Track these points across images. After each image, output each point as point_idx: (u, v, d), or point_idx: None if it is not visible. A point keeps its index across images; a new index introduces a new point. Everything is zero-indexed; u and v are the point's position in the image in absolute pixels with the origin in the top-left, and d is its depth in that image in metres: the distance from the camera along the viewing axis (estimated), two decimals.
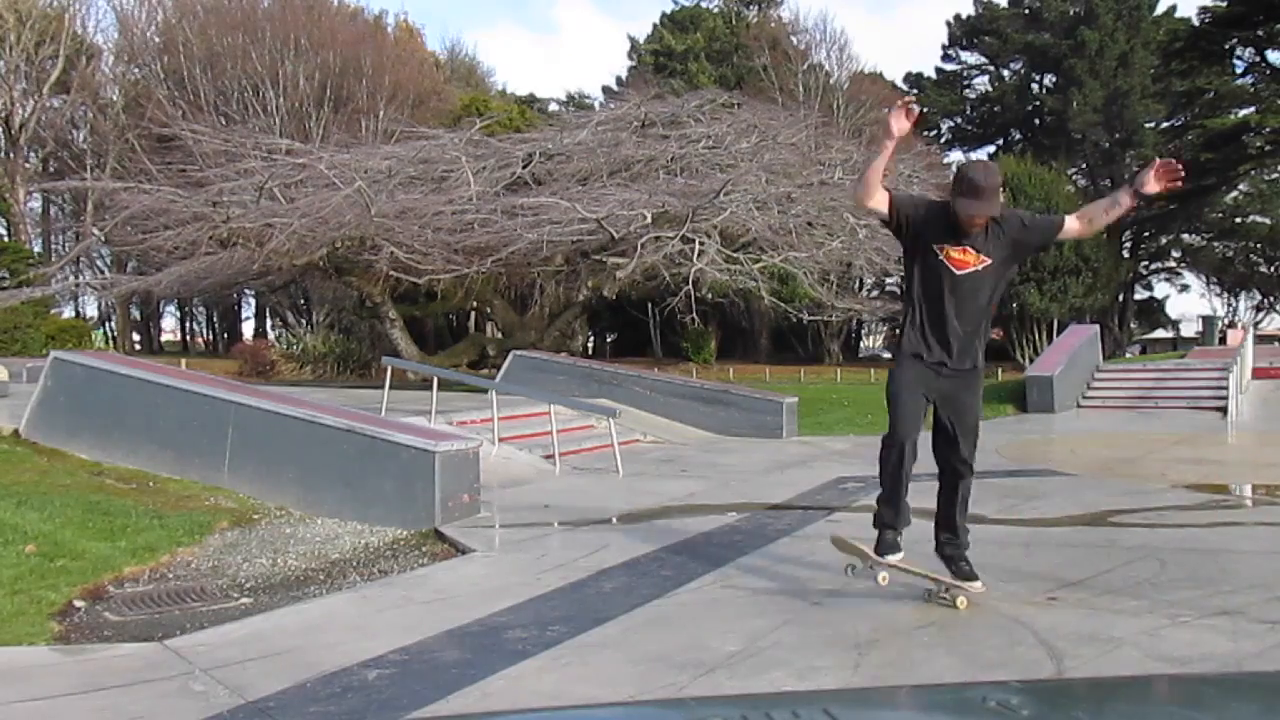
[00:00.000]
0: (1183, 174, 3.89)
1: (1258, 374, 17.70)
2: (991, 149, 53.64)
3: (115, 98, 37.84)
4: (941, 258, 4.20)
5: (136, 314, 44.80)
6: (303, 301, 36.22)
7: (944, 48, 54.68)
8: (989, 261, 4.21)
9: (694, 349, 39.58)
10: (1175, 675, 3.25)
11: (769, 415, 13.17)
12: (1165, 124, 48.40)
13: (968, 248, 4.19)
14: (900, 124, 4.07)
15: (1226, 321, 44.69)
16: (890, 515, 4.47)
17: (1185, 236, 51.89)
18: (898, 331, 4.41)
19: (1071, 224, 4.28)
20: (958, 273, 4.20)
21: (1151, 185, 4.00)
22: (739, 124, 20.46)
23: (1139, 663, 3.63)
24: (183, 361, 25.32)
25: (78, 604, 4.79)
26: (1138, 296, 54.56)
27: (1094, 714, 1.11)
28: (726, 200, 16.65)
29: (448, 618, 4.37)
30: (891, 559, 4.39)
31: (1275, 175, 46.35)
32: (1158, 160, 3.99)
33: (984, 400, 17.00)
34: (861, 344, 56.37)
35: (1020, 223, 4.29)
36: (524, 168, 19.36)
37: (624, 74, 50.92)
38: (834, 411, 17.37)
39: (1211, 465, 10.09)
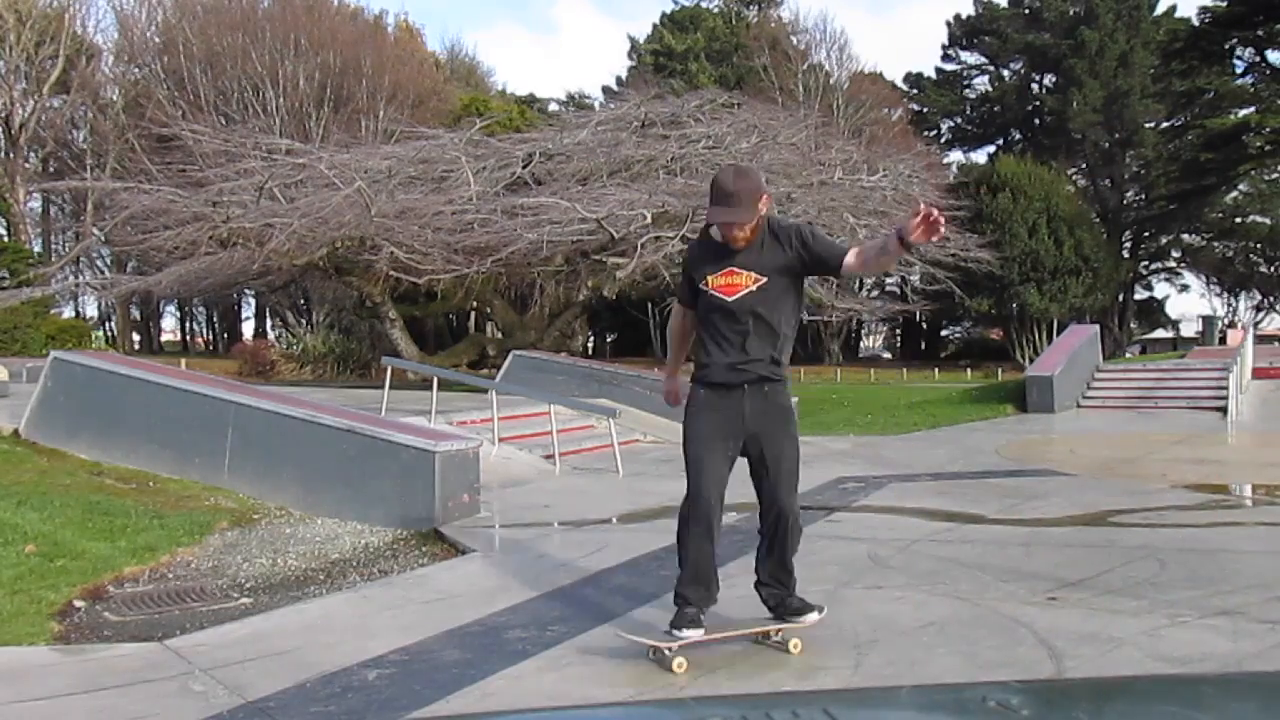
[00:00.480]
0: (942, 226, 3.44)
1: (1258, 374, 17.70)
2: (991, 149, 53.69)
3: (115, 98, 37.85)
4: (711, 290, 3.74)
5: (136, 314, 44.79)
6: (303, 301, 36.22)
7: (944, 48, 54.74)
8: (765, 280, 3.70)
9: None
10: (1175, 675, 3.25)
11: None
12: (1165, 124, 48.43)
13: (733, 269, 3.71)
14: None
15: (1226, 321, 44.68)
16: (699, 594, 3.80)
17: (1185, 236, 51.93)
18: (696, 366, 3.93)
19: (851, 259, 3.76)
20: (729, 300, 3.72)
21: (915, 235, 3.47)
22: (739, 124, 20.47)
23: (1139, 663, 3.63)
24: (183, 361, 25.32)
25: (78, 604, 4.79)
26: (1138, 296, 54.60)
27: (1094, 714, 1.11)
28: None
29: (448, 618, 4.37)
30: (692, 634, 3.63)
31: (1275, 175, 46.38)
32: (922, 207, 3.50)
33: (984, 400, 17.01)
34: (861, 344, 56.40)
35: (800, 238, 3.77)
36: (524, 168, 19.36)
37: (624, 74, 50.98)
38: (834, 411, 17.37)
39: (1212, 465, 10.09)
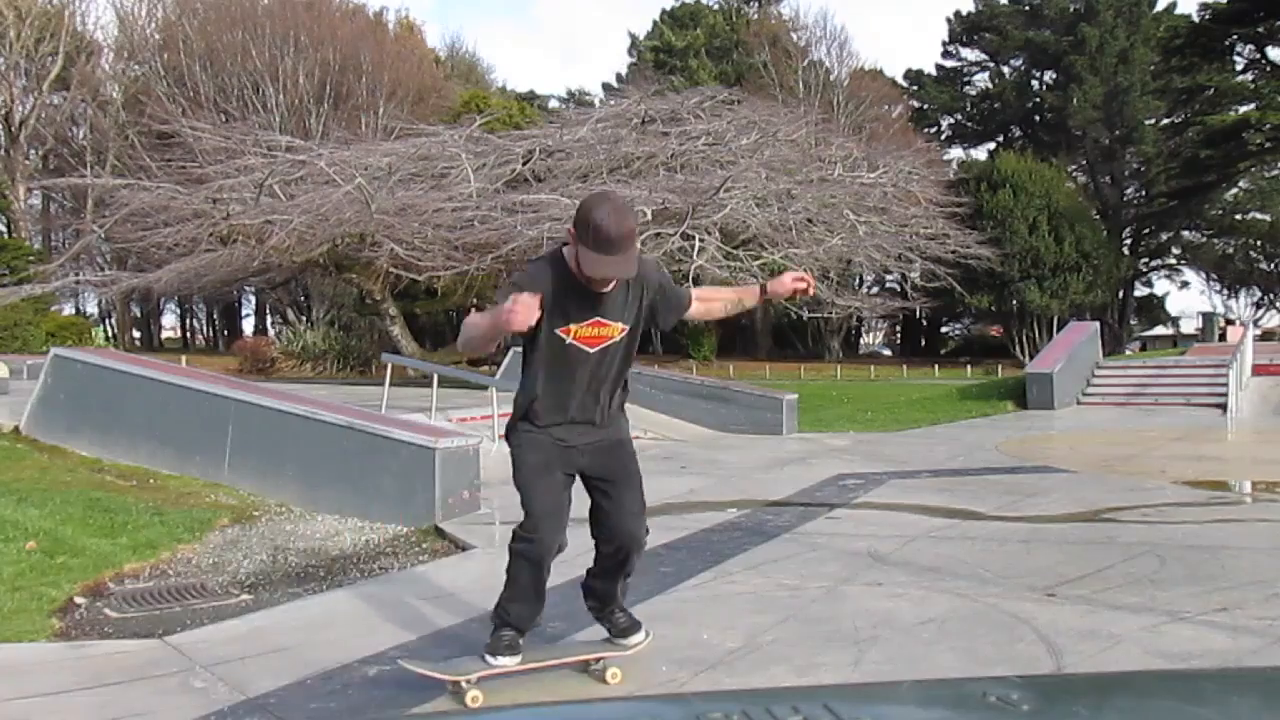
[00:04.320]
0: (807, 288, 3.43)
1: (1257, 370, 17.69)
2: (992, 145, 53.68)
3: (115, 94, 37.85)
4: (572, 341, 3.25)
5: (136, 311, 44.83)
6: (303, 298, 36.26)
7: (944, 44, 54.76)
8: (627, 329, 3.32)
9: (694, 346, 39.62)
10: (1175, 671, 3.25)
11: (769, 412, 13.18)
12: (1165, 120, 48.45)
13: (601, 320, 3.26)
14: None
15: (1226, 318, 44.69)
16: (525, 613, 3.42)
17: (1185, 233, 51.94)
18: (516, 405, 3.43)
19: (695, 306, 3.55)
20: (592, 350, 3.28)
21: (782, 291, 3.43)
22: (739, 121, 20.45)
23: (1139, 659, 3.63)
24: (183, 358, 25.34)
25: (78, 601, 4.79)
26: (1138, 293, 54.66)
27: (1094, 709, 1.11)
28: (726, 197, 16.66)
29: (448, 614, 4.37)
30: (508, 662, 3.35)
31: (1275, 172, 46.35)
32: (789, 279, 3.47)
33: (984, 396, 17.04)
34: (861, 341, 56.45)
35: (660, 286, 3.43)
36: (524, 164, 19.36)
37: (624, 70, 51.01)
38: (834, 408, 17.39)
39: (1211, 462, 10.10)
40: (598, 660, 3.51)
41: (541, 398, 3.32)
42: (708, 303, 3.67)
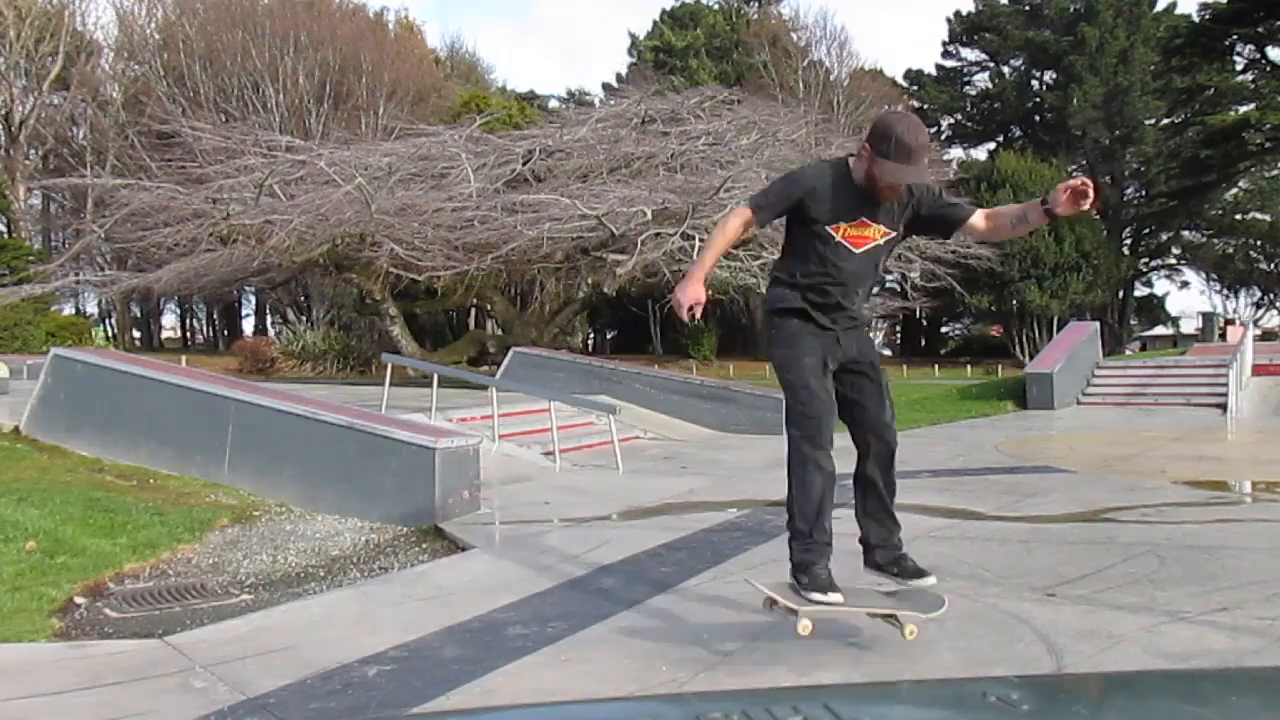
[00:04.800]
0: (1092, 196, 3.43)
1: (1257, 371, 17.69)
2: (992, 145, 53.66)
3: (115, 94, 37.84)
4: (838, 239, 3.54)
5: (136, 311, 44.83)
6: (303, 298, 36.23)
7: (944, 44, 54.72)
8: (892, 234, 3.63)
9: (694, 346, 39.63)
10: (1175, 671, 3.25)
11: (769, 412, 13.17)
12: (1165, 120, 48.41)
13: (866, 220, 3.55)
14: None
15: (1226, 318, 44.68)
16: (824, 542, 3.54)
17: (1185, 233, 51.92)
18: (776, 298, 3.67)
19: (978, 220, 3.72)
20: (856, 251, 3.57)
21: (1063, 207, 3.45)
22: (739, 121, 20.47)
23: (1138, 659, 3.63)
24: (183, 358, 25.34)
25: (78, 600, 4.79)
26: (1138, 293, 54.63)
27: (1094, 709, 1.12)
28: (727, 197, 16.66)
29: (448, 614, 4.37)
30: (835, 598, 3.49)
31: (1275, 172, 46.33)
32: (1074, 180, 3.46)
33: (984, 396, 17.00)
34: None
35: (934, 197, 3.68)
36: (524, 164, 19.36)
37: (624, 70, 50.99)
38: None
39: (1211, 462, 10.09)
40: (888, 616, 3.63)
41: (805, 290, 3.58)
42: (994, 219, 3.75)
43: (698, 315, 3.66)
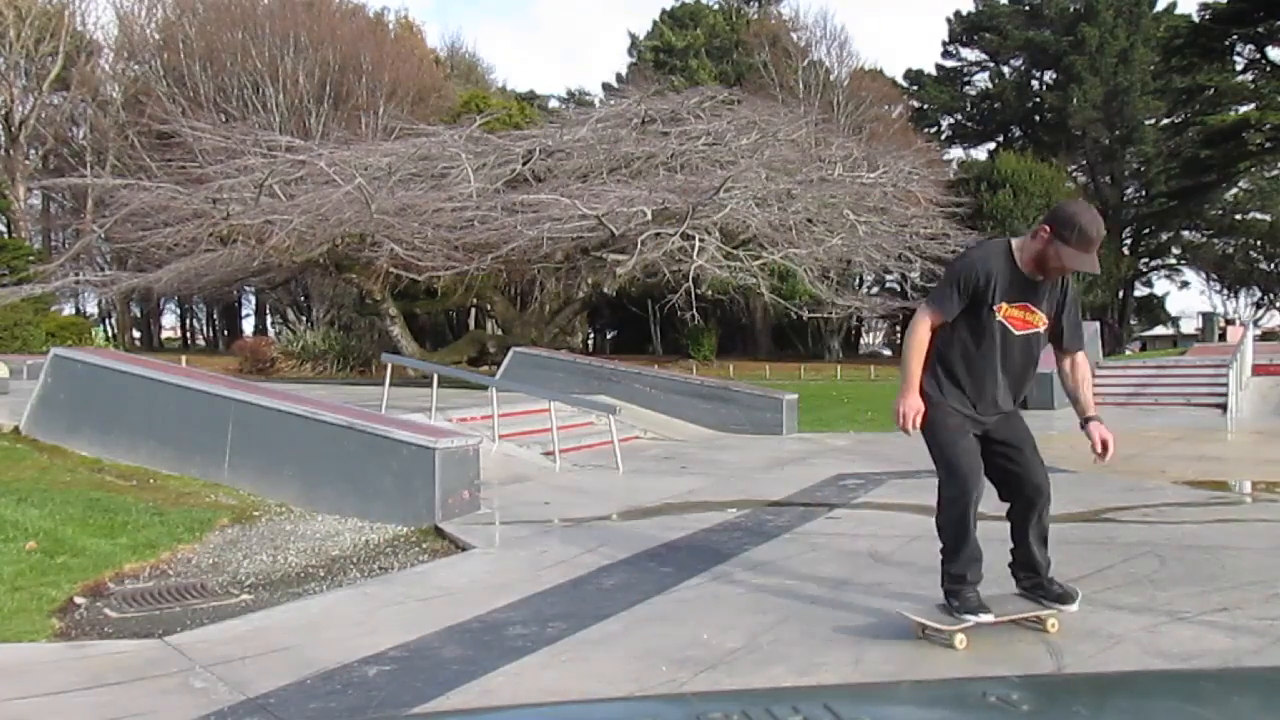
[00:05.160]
0: (1105, 458, 4.04)
1: (1257, 371, 17.70)
2: (992, 145, 53.65)
3: (115, 94, 37.82)
4: (1000, 318, 3.69)
5: (137, 311, 44.81)
6: (303, 298, 36.23)
7: (944, 44, 54.70)
8: (1048, 324, 3.79)
9: (694, 346, 39.58)
10: (1175, 671, 3.25)
11: (769, 412, 13.18)
12: (1165, 120, 48.39)
13: (1031, 306, 3.71)
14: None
15: (1226, 318, 44.69)
16: (978, 567, 3.94)
17: (1185, 233, 51.92)
18: (931, 381, 3.83)
19: (1074, 355, 3.97)
20: (1016, 334, 3.73)
21: (1090, 439, 4.03)
22: (739, 121, 20.46)
23: (1138, 659, 3.63)
24: (183, 358, 25.34)
25: (78, 601, 4.79)
26: (1138, 293, 54.62)
27: (1094, 709, 1.12)
28: (726, 197, 16.66)
29: (448, 614, 4.37)
30: (986, 617, 3.82)
31: (1275, 172, 46.31)
32: (1100, 447, 4.05)
33: None
34: (862, 341, 56.38)
35: (1075, 308, 3.89)
36: (524, 164, 19.36)
37: (624, 70, 50.98)
38: (834, 408, 17.38)
39: (1211, 462, 10.09)
40: (1036, 619, 3.96)
41: (961, 376, 3.77)
42: (1069, 373, 3.99)
43: (919, 425, 3.81)
